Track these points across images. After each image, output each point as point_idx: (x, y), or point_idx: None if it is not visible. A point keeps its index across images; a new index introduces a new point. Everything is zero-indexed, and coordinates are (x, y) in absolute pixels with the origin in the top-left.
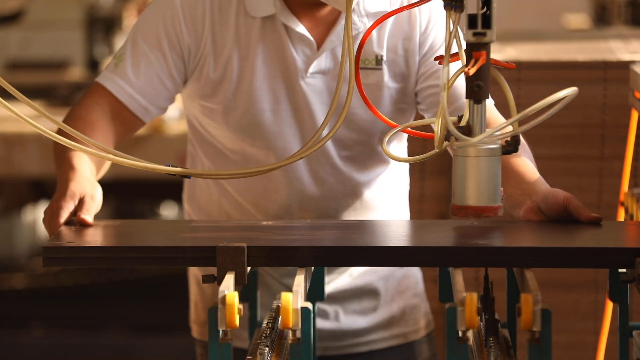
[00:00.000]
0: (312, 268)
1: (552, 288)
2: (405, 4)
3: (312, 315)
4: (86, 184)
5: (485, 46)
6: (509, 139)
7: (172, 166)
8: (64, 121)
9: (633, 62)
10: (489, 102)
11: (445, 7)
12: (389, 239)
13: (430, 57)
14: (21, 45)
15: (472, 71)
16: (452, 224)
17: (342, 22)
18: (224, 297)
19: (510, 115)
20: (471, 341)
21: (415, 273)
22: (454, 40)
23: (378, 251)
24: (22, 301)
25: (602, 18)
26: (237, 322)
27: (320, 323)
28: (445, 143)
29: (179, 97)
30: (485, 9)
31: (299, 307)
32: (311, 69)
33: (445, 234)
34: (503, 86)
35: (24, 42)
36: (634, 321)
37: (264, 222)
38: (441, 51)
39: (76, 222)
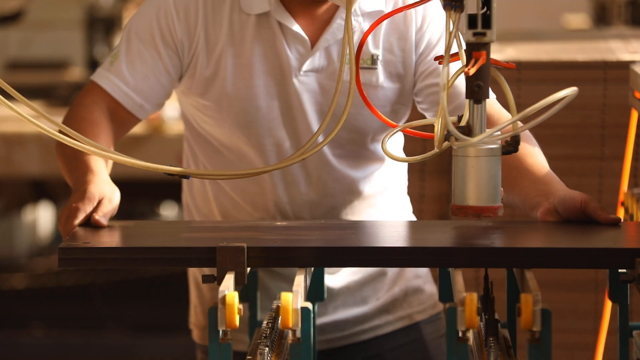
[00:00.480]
0: (312, 268)
1: (552, 288)
2: (401, 4)
3: (312, 315)
4: (105, 186)
5: (485, 46)
6: (508, 139)
7: (172, 166)
8: (66, 121)
9: (633, 62)
10: (491, 97)
11: (445, 7)
12: (388, 239)
13: (427, 55)
14: (21, 45)
15: (472, 71)
16: (452, 225)
17: (337, 21)
18: (224, 297)
19: (511, 115)
20: (471, 341)
21: None
22: (454, 39)
23: (378, 251)
24: (22, 301)
25: (602, 18)
26: (237, 322)
27: (321, 316)
28: (446, 143)
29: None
30: (485, 9)
31: (299, 307)
32: (304, 67)
33: (445, 235)
34: (503, 86)
35: (24, 42)
36: (634, 321)
37: (264, 223)
38: (438, 48)
39: (91, 223)
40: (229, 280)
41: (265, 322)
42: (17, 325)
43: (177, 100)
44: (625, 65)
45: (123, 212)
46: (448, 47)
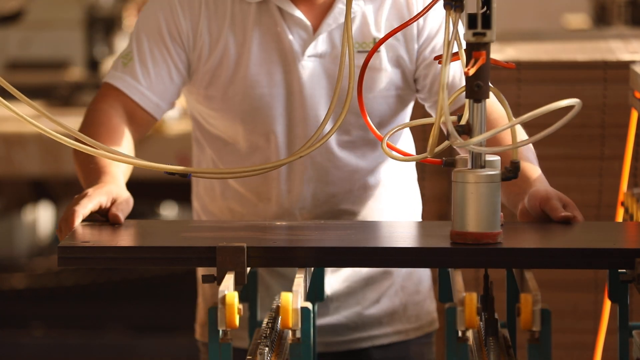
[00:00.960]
0: (312, 268)
1: (552, 288)
2: None
3: (312, 315)
4: (121, 190)
5: (485, 46)
6: (508, 165)
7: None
8: (83, 128)
9: (633, 62)
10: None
11: (445, 6)
12: (389, 239)
13: (429, 44)
14: (21, 45)
15: (471, 71)
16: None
17: (338, 6)
18: (223, 297)
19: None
20: (471, 341)
21: (420, 270)
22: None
23: (378, 252)
24: (22, 301)
25: (602, 18)
26: (237, 322)
27: (320, 317)
28: (446, 142)
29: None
30: (485, 9)
31: (299, 307)
32: (307, 52)
33: (445, 235)
34: (498, 97)
35: (24, 42)
36: (633, 321)
37: (264, 223)
38: (439, 37)
39: (109, 218)
40: (229, 280)
41: (265, 322)
42: (17, 325)
43: (185, 99)
44: (625, 65)
45: None
46: (448, 47)
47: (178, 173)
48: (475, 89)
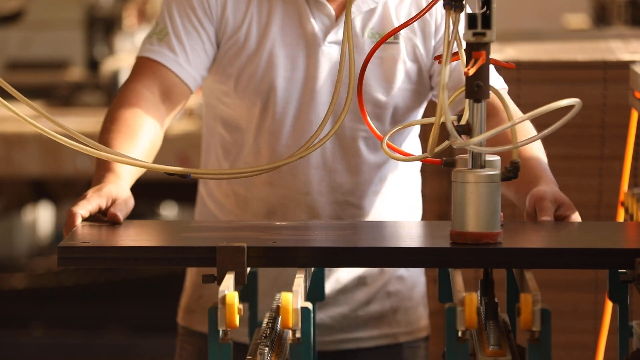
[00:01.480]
0: (312, 268)
1: (552, 288)
2: None
3: (312, 315)
4: (122, 191)
5: (485, 46)
6: (508, 165)
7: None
8: (113, 108)
9: (633, 62)
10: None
11: (445, 6)
12: (389, 239)
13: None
14: (21, 45)
15: (471, 71)
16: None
17: None
18: (224, 297)
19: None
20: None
21: (413, 275)
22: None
23: (377, 252)
24: (22, 301)
25: (602, 18)
26: (237, 322)
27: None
28: (446, 142)
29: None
30: (485, 9)
31: (299, 307)
32: (329, 39)
33: (445, 235)
34: (503, 102)
35: (24, 42)
36: (633, 321)
37: (264, 223)
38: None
39: (107, 217)
40: (229, 280)
41: (265, 322)
42: (17, 325)
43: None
44: (625, 65)
45: None
46: (448, 47)
47: (178, 174)
48: (475, 89)
